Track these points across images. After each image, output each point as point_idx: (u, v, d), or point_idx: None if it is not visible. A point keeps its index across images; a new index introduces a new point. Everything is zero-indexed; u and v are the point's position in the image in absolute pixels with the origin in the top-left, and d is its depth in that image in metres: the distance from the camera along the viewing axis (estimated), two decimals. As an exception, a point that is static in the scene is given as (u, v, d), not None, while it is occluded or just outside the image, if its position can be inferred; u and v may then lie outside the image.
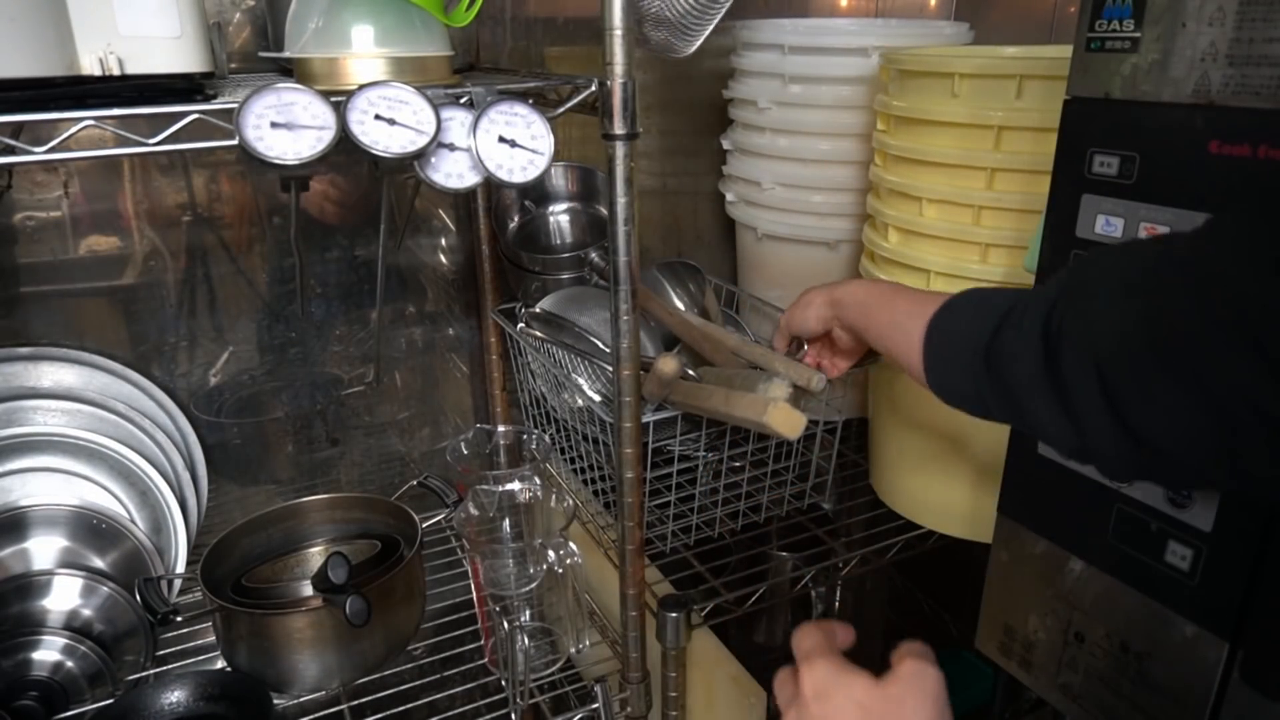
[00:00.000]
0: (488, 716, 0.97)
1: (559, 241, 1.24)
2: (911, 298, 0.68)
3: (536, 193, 1.23)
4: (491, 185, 0.73)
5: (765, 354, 0.89)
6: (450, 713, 0.91)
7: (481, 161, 0.69)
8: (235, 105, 0.61)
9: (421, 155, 0.67)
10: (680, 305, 1.16)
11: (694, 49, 0.91)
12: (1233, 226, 0.44)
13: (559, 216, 1.24)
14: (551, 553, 0.91)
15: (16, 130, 0.58)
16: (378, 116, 0.64)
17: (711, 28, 0.88)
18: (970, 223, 0.87)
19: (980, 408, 0.60)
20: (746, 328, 1.19)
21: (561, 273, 1.13)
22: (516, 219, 1.21)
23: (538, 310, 1.08)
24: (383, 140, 0.65)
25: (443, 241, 1.21)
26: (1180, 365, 0.43)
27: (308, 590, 0.92)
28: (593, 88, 0.71)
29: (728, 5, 0.85)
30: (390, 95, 0.65)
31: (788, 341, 0.88)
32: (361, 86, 0.64)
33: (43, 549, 0.92)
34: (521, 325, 1.10)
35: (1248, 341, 0.40)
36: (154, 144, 0.61)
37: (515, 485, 0.97)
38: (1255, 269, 0.40)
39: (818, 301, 0.79)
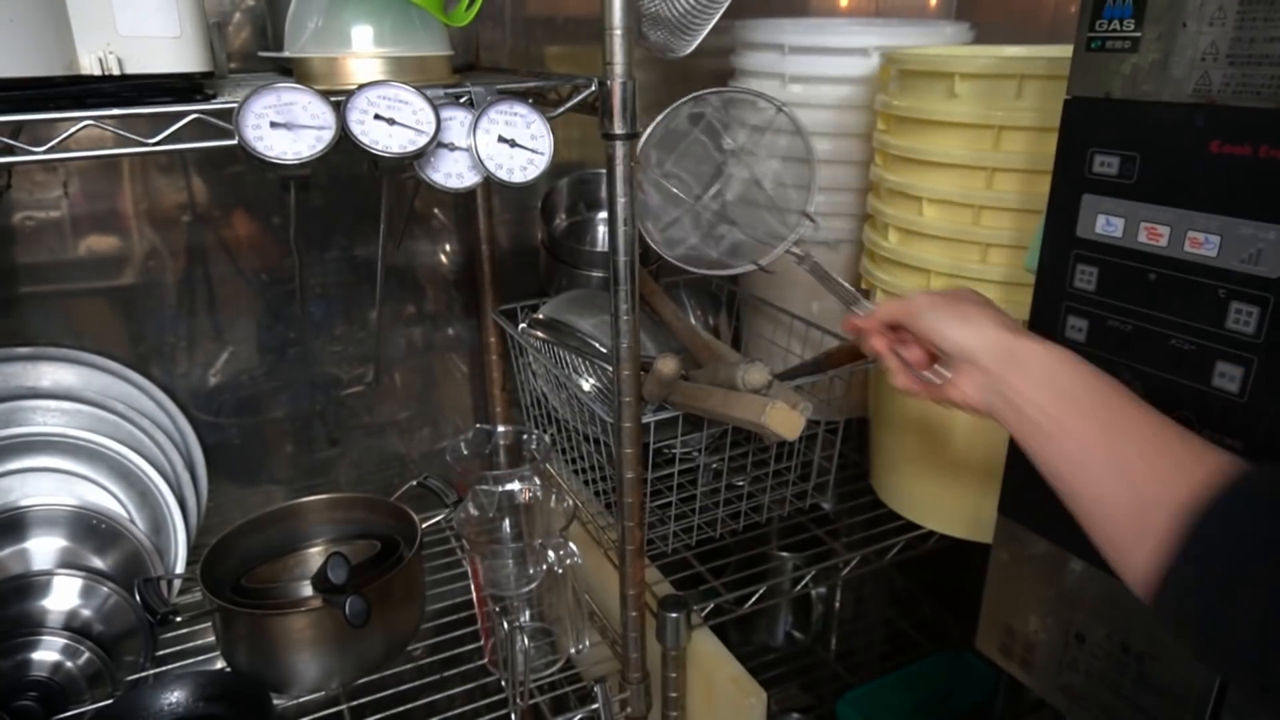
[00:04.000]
0: (488, 717, 0.97)
1: (599, 246, 1.26)
2: (1145, 425, 0.46)
3: (591, 197, 1.25)
4: (490, 184, 0.73)
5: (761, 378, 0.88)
6: (450, 713, 0.91)
7: (481, 161, 0.69)
8: (235, 105, 0.61)
9: (421, 155, 0.67)
10: (692, 320, 1.18)
11: (692, 49, 0.91)
12: None
13: (604, 225, 1.27)
14: (551, 553, 0.91)
15: (16, 130, 0.58)
16: (377, 116, 0.64)
17: (710, 27, 0.88)
18: (970, 223, 0.87)
19: (1256, 682, 0.40)
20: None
21: (593, 270, 1.15)
22: (565, 217, 1.23)
23: (540, 316, 1.09)
24: (382, 140, 0.65)
25: (443, 241, 1.21)
26: None
27: (308, 590, 0.92)
28: (593, 87, 0.71)
29: (727, 4, 0.85)
30: (390, 95, 0.65)
31: (888, 321, 0.66)
32: (361, 86, 0.64)
33: (42, 549, 0.92)
34: (523, 326, 1.10)
35: None
36: (154, 144, 0.61)
37: (515, 485, 0.97)
38: None
39: (985, 328, 0.56)
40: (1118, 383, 0.51)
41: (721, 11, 0.86)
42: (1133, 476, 0.45)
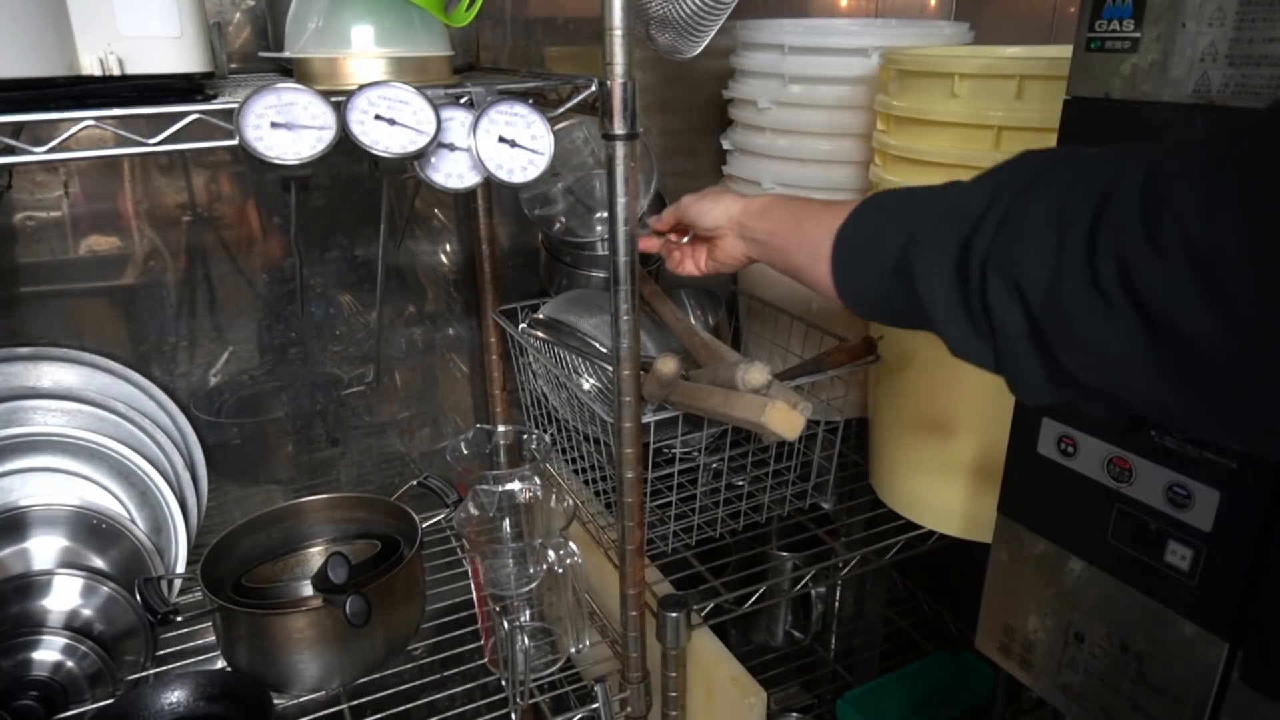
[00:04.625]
0: (488, 716, 0.97)
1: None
2: (821, 209, 0.67)
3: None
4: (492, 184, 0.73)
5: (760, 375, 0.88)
6: (450, 713, 0.91)
7: (481, 161, 0.69)
8: (235, 105, 0.61)
9: (421, 155, 0.67)
10: (692, 320, 1.18)
11: (699, 50, 0.91)
12: (1193, 153, 0.40)
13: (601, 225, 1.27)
14: (551, 553, 0.91)
15: (17, 130, 0.58)
16: (378, 116, 0.64)
17: (717, 29, 0.88)
18: (970, 223, 0.87)
19: (891, 318, 0.60)
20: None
21: (594, 270, 1.16)
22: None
23: (540, 316, 1.09)
24: (383, 140, 0.65)
25: (443, 241, 1.21)
26: (1123, 309, 0.41)
27: (308, 590, 0.92)
28: (593, 88, 0.71)
29: (733, 5, 0.86)
30: (390, 95, 0.65)
31: (673, 223, 0.87)
32: (361, 86, 0.64)
33: (43, 549, 0.92)
34: (523, 326, 1.10)
35: (1209, 289, 0.37)
36: (154, 144, 0.61)
37: (515, 485, 0.97)
38: (1214, 210, 0.37)
39: (726, 202, 0.79)
40: (806, 199, 0.72)
41: (728, 12, 0.86)
42: (813, 240, 0.65)
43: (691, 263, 0.88)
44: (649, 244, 0.90)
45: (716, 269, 0.85)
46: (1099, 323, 0.42)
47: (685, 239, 0.88)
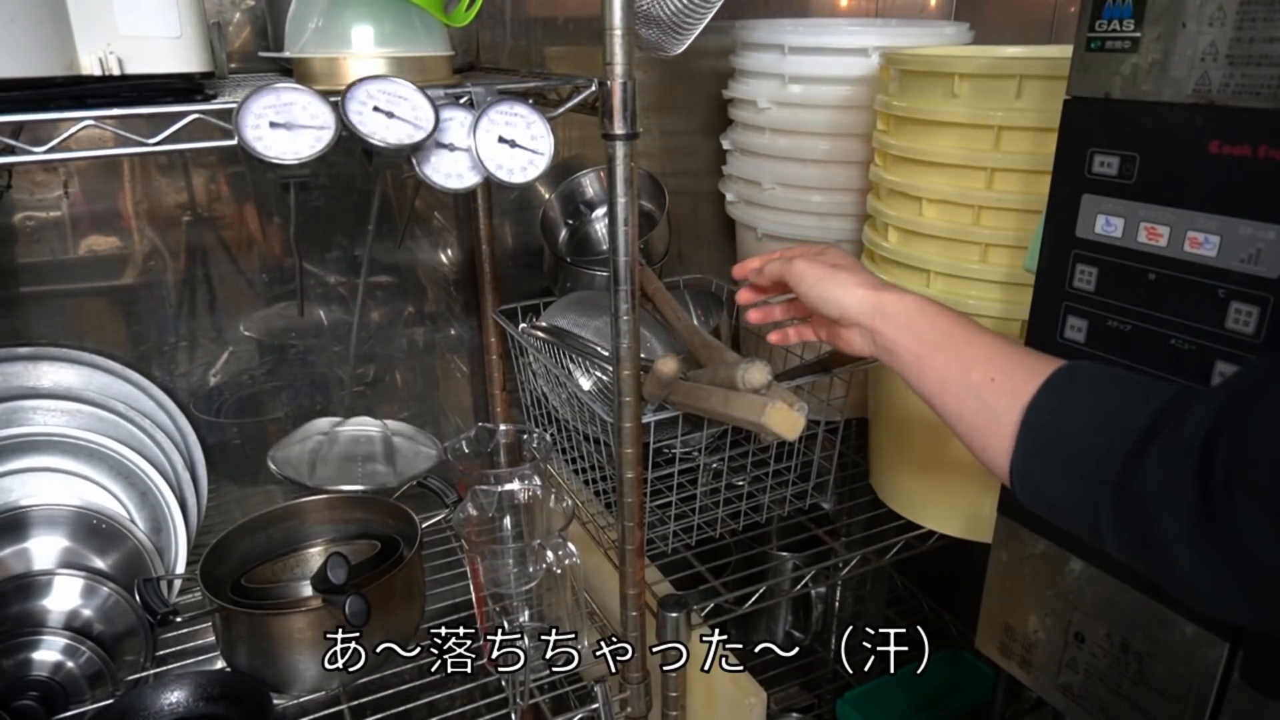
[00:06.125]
0: (488, 717, 0.97)
1: (601, 244, 1.28)
2: (988, 350, 0.56)
3: (584, 197, 1.26)
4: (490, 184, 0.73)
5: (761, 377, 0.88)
6: (450, 713, 0.91)
7: (481, 161, 0.69)
8: (234, 105, 0.61)
9: (418, 149, 0.67)
10: (694, 320, 1.18)
11: (683, 49, 0.91)
12: None
13: (600, 224, 1.29)
14: (551, 553, 0.91)
15: (16, 130, 0.58)
16: (376, 109, 0.64)
17: (701, 28, 0.88)
18: (970, 223, 0.87)
19: (1092, 535, 0.49)
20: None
21: (599, 268, 1.17)
22: (565, 227, 1.25)
23: (543, 323, 1.09)
24: (379, 132, 0.65)
25: (443, 241, 1.21)
26: None
27: (308, 590, 0.92)
28: (593, 88, 0.71)
29: (718, 5, 0.85)
30: (389, 90, 0.65)
31: (775, 280, 0.75)
32: (361, 79, 0.64)
33: (43, 549, 0.92)
34: (523, 326, 1.10)
35: None
36: (154, 144, 0.61)
37: (515, 485, 0.97)
38: None
39: (856, 292, 0.66)
40: (963, 317, 0.61)
41: (713, 12, 0.86)
42: (983, 394, 0.55)
43: (796, 335, 0.80)
44: (750, 303, 0.82)
45: (809, 337, 0.77)
46: None
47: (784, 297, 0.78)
